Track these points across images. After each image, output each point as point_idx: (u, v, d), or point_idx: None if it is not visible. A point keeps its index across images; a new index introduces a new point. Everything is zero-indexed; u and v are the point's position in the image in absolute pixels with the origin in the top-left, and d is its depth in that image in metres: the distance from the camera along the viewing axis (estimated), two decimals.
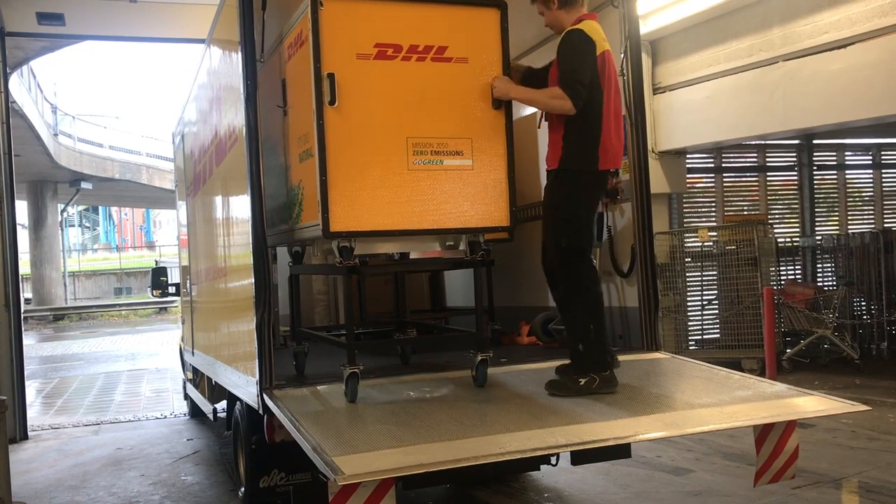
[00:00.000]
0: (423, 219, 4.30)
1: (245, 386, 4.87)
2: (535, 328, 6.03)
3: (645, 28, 10.44)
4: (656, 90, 11.13)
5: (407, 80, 4.27)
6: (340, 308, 7.30)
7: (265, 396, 4.33)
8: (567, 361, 4.53)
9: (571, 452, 4.92)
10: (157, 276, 10.57)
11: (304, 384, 4.64)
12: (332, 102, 4.09)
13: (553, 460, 5.28)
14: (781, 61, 9.18)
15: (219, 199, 6.04)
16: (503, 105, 4.45)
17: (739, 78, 9.73)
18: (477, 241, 4.50)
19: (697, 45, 10.35)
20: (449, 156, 4.33)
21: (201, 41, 6.79)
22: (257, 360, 4.40)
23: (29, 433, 9.18)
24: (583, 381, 4.32)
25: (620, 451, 5.06)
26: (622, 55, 5.35)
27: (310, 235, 4.47)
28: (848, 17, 8.43)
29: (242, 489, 5.93)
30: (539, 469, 5.83)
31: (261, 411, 4.48)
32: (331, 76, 4.09)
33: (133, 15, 9.25)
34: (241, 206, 4.90)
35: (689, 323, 11.45)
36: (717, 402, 4.19)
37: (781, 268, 11.82)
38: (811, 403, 4.23)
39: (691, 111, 10.56)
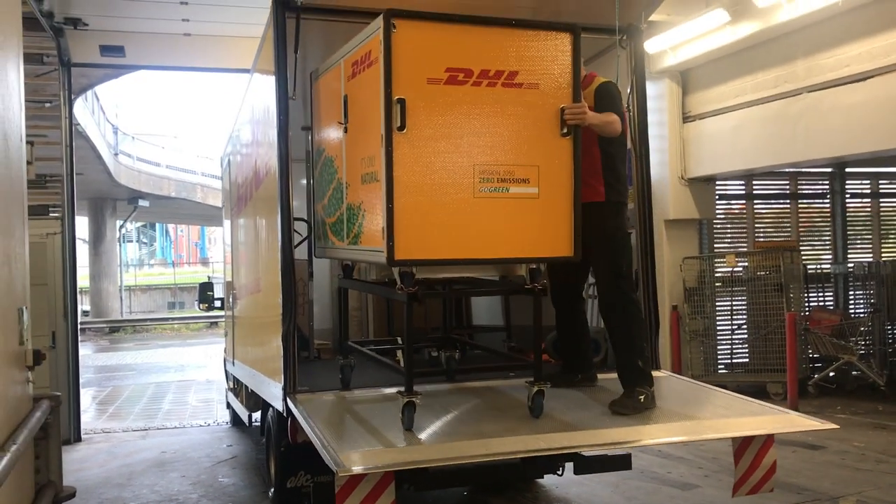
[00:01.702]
0: (486, 247, 4.23)
1: (273, 391, 5.34)
2: (548, 346, 6.39)
3: (675, 59, 10.81)
4: (686, 119, 11.42)
5: (477, 106, 4.16)
6: (371, 324, 7.77)
7: (289, 400, 4.79)
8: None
9: (574, 463, 5.34)
10: (204, 291, 11.19)
11: (324, 390, 5.08)
12: (401, 128, 3.99)
13: (559, 471, 5.64)
14: (805, 93, 9.42)
15: (256, 222, 6.57)
16: (571, 132, 4.33)
17: (765, 108, 9.98)
18: (538, 269, 4.46)
19: (726, 76, 10.63)
20: (515, 183, 4.23)
21: (247, 71, 7.38)
22: (282, 368, 4.87)
23: (82, 436, 9.83)
24: (642, 397, 4.54)
25: (620, 463, 5.42)
26: (629, 90, 5.73)
27: (371, 260, 4.48)
28: (868, 51, 8.65)
29: (272, 490, 6.42)
30: (542, 477, 6.18)
31: (285, 414, 4.94)
32: (401, 101, 3.98)
33: (186, 47, 9.94)
34: (273, 230, 5.38)
35: (719, 347, 11.65)
36: (700, 417, 4.53)
37: (812, 294, 11.94)
38: (785, 421, 4.51)
39: (720, 139, 10.83)
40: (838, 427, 4.51)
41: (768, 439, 4.39)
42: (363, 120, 4.41)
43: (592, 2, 5.35)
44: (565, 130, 4.30)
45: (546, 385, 4.44)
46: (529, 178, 4.25)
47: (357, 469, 3.62)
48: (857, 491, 6.25)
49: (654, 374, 5.49)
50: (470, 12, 4.28)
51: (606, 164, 4.76)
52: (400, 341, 6.18)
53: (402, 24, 4.00)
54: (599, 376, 5.20)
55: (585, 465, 5.40)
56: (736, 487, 4.45)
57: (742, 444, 4.37)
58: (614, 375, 4.95)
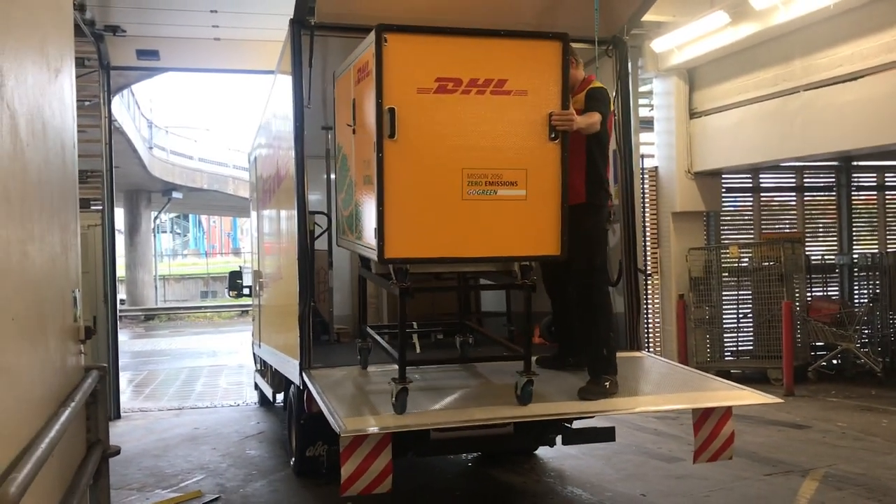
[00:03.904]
0: (474, 247, 4.45)
1: (292, 368, 5.98)
2: (542, 330, 6.96)
3: (681, 58, 11.28)
4: (693, 115, 11.89)
5: (466, 114, 4.35)
6: (385, 310, 8.39)
7: (304, 375, 5.42)
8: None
9: (562, 435, 5.92)
10: (234, 279, 11.91)
11: (336, 366, 5.70)
12: (391, 136, 4.22)
13: (553, 442, 6.23)
14: (802, 91, 9.86)
15: (280, 215, 7.21)
16: (559, 136, 4.51)
17: (764, 105, 10.43)
18: (528, 266, 4.71)
19: (729, 74, 11.08)
20: (503, 186, 4.41)
21: (272, 72, 8.01)
22: (299, 346, 5.50)
23: (122, 414, 10.58)
24: (607, 383, 4.94)
25: (604, 435, 5.99)
26: (614, 93, 6.25)
27: (369, 255, 4.80)
28: (860, 51, 9.07)
29: (293, 459, 7.08)
30: (536, 448, 6.77)
31: (301, 387, 5.58)
32: (391, 111, 4.21)
33: (217, 50, 10.62)
34: (292, 224, 6.00)
35: (725, 335, 12.12)
36: (665, 391, 5.08)
37: (817, 284, 12.36)
38: (740, 396, 5.03)
39: (724, 135, 11.29)
40: (782, 401, 5.07)
41: (726, 412, 4.91)
42: (364, 124, 4.71)
43: (581, 16, 5.87)
44: (553, 135, 4.49)
45: (535, 375, 4.70)
46: (517, 181, 4.45)
47: (357, 430, 4.24)
48: (828, 464, 6.75)
49: (634, 354, 6.08)
50: (465, 24, 4.59)
51: (590, 169, 5.08)
52: (416, 326, 6.72)
53: (393, 37, 4.26)
54: None
55: (572, 436, 5.99)
56: (696, 455, 4.96)
57: (701, 416, 4.89)
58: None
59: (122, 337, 21.36)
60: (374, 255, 4.47)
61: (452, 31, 4.45)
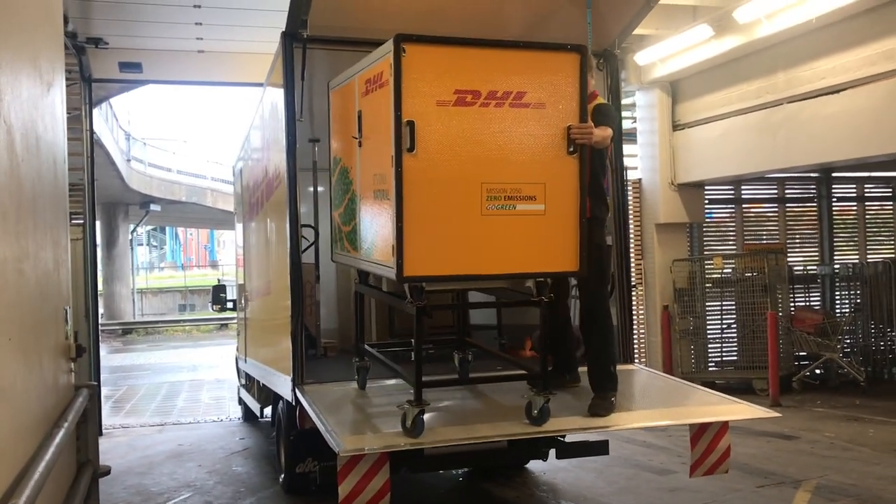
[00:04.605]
0: (493, 263, 4.33)
1: (283, 383, 5.90)
2: (535, 343, 6.92)
3: (665, 70, 11.36)
4: (676, 127, 11.98)
5: (484, 127, 4.24)
6: (374, 325, 8.31)
7: (297, 391, 5.35)
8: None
9: (556, 449, 5.88)
10: (218, 293, 11.77)
11: (329, 382, 5.63)
12: (410, 149, 4.08)
13: (544, 457, 6.19)
14: (785, 103, 9.96)
15: (268, 228, 7.14)
16: (578, 150, 4.43)
17: (748, 118, 10.52)
18: (545, 282, 4.60)
19: (712, 87, 11.17)
20: (522, 201, 4.31)
21: (258, 84, 7.95)
22: (292, 362, 5.44)
23: (103, 430, 10.40)
24: (613, 399, 4.91)
25: (598, 449, 5.97)
26: None
27: (382, 273, 4.62)
28: (842, 64, 9.18)
29: (282, 476, 6.99)
30: (528, 462, 6.73)
31: (293, 403, 5.50)
32: (410, 124, 4.07)
33: (200, 63, 10.56)
34: (283, 238, 5.93)
35: (709, 346, 12.17)
36: (664, 405, 5.06)
37: (799, 295, 12.45)
38: (737, 410, 5.01)
39: (707, 147, 11.37)
40: (780, 415, 5.05)
41: (723, 426, 4.88)
42: (375, 137, 4.55)
43: (572, 29, 5.89)
44: (572, 149, 4.39)
45: (553, 394, 4.58)
46: (536, 196, 4.34)
47: (356, 450, 4.18)
48: (820, 475, 6.77)
49: (628, 367, 6.07)
50: (463, 35, 4.50)
51: (593, 182, 4.98)
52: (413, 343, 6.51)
53: (412, 48, 4.10)
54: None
55: (566, 450, 5.96)
56: (693, 469, 4.93)
57: (698, 431, 4.87)
58: None
59: (101, 351, 21.12)
60: (389, 273, 4.33)
61: (472, 42, 4.33)
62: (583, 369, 5.24)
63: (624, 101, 12.57)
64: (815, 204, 13.44)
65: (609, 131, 4.83)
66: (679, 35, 10.44)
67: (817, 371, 11.32)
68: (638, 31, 10.53)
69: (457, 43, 4.29)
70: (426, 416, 4.69)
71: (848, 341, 11.67)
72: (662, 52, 11.02)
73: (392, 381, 5.58)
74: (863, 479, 6.66)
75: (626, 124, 12.52)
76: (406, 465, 5.29)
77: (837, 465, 7.15)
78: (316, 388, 5.41)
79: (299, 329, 5.51)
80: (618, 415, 4.82)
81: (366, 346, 5.62)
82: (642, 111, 12.41)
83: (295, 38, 5.51)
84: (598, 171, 5.08)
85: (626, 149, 12.13)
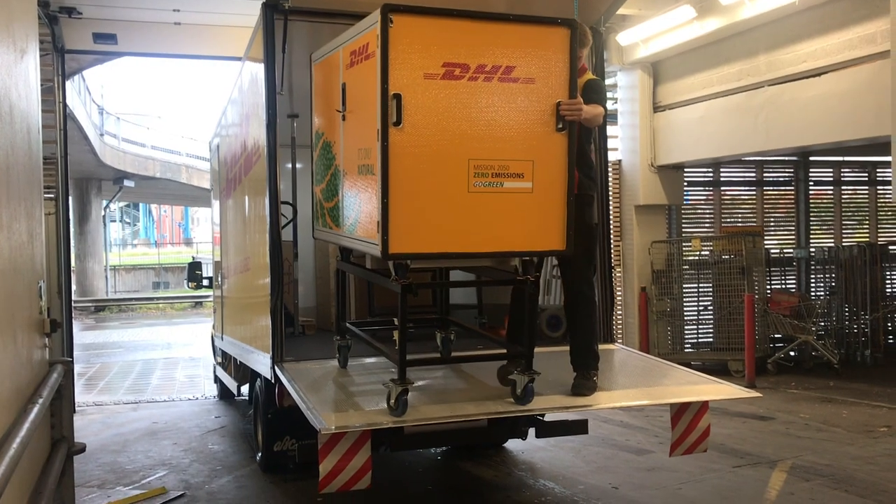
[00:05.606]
0: (479, 241, 4.26)
1: (262, 361, 5.84)
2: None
3: (646, 51, 11.34)
4: (657, 108, 11.97)
5: (473, 102, 4.13)
6: (353, 302, 8.25)
7: (276, 368, 5.29)
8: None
9: (536, 428, 5.88)
10: (193, 270, 11.64)
11: (309, 359, 5.58)
12: (397, 123, 3.98)
13: (523, 436, 6.18)
14: (767, 86, 9.97)
15: (246, 205, 7.03)
16: (567, 126, 4.33)
17: (729, 100, 10.53)
18: (531, 261, 4.57)
19: (693, 69, 11.16)
20: (509, 178, 4.22)
21: (237, 58, 7.79)
22: (271, 339, 5.37)
23: (76, 408, 10.26)
24: (595, 378, 4.89)
25: (577, 428, 5.98)
26: None
27: (366, 251, 4.55)
28: (823, 48, 9.20)
29: (259, 454, 6.93)
30: (507, 441, 6.73)
31: (273, 381, 5.44)
32: (397, 97, 3.97)
33: (177, 35, 10.33)
34: (262, 213, 5.85)
35: (686, 327, 12.25)
36: (644, 384, 5.06)
37: (775, 277, 12.55)
38: (718, 390, 5.04)
39: (688, 129, 11.38)
40: (761, 395, 5.08)
41: (703, 406, 4.91)
42: (360, 111, 4.44)
43: (556, 6, 5.80)
44: (560, 126, 4.30)
45: (538, 374, 4.52)
46: (524, 173, 4.25)
47: (338, 427, 4.13)
48: (794, 455, 6.84)
49: (608, 346, 6.07)
50: (448, 7, 4.27)
51: (581, 158, 4.91)
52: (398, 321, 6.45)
53: (400, 19, 3.97)
54: (555, 349, 5.55)
55: (546, 429, 5.96)
56: (673, 448, 4.96)
57: (679, 410, 4.89)
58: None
59: (73, 329, 20.88)
60: (374, 251, 4.22)
61: (461, 13, 4.17)
62: (564, 348, 5.20)
63: (606, 82, 12.58)
64: (792, 187, 13.52)
65: (600, 109, 4.75)
66: (661, 16, 10.41)
67: (792, 353, 11.42)
68: (621, 11, 10.55)
69: (446, 14, 4.16)
70: (411, 395, 4.68)
71: (822, 324, 11.78)
72: (644, 32, 10.99)
73: (372, 360, 5.54)
74: (837, 460, 6.73)
75: (607, 105, 12.52)
76: (386, 444, 5.27)
77: (812, 445, 7.23)
78: (295, 366, 5.35)
79: (279, 306, 5.44)
80: (600, 394, 4.81)
81: (348, 325, 5.55)
82: (623, 92, 12.38)
83: (276, 10, 5.40)
84: (585, 148, 5.00)
85: (607, 130, 12.22)
